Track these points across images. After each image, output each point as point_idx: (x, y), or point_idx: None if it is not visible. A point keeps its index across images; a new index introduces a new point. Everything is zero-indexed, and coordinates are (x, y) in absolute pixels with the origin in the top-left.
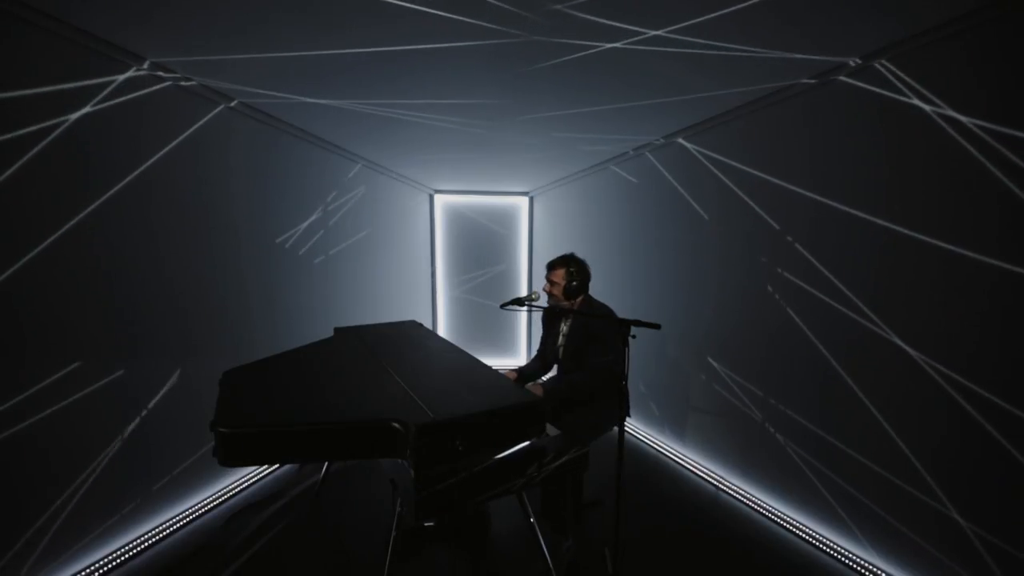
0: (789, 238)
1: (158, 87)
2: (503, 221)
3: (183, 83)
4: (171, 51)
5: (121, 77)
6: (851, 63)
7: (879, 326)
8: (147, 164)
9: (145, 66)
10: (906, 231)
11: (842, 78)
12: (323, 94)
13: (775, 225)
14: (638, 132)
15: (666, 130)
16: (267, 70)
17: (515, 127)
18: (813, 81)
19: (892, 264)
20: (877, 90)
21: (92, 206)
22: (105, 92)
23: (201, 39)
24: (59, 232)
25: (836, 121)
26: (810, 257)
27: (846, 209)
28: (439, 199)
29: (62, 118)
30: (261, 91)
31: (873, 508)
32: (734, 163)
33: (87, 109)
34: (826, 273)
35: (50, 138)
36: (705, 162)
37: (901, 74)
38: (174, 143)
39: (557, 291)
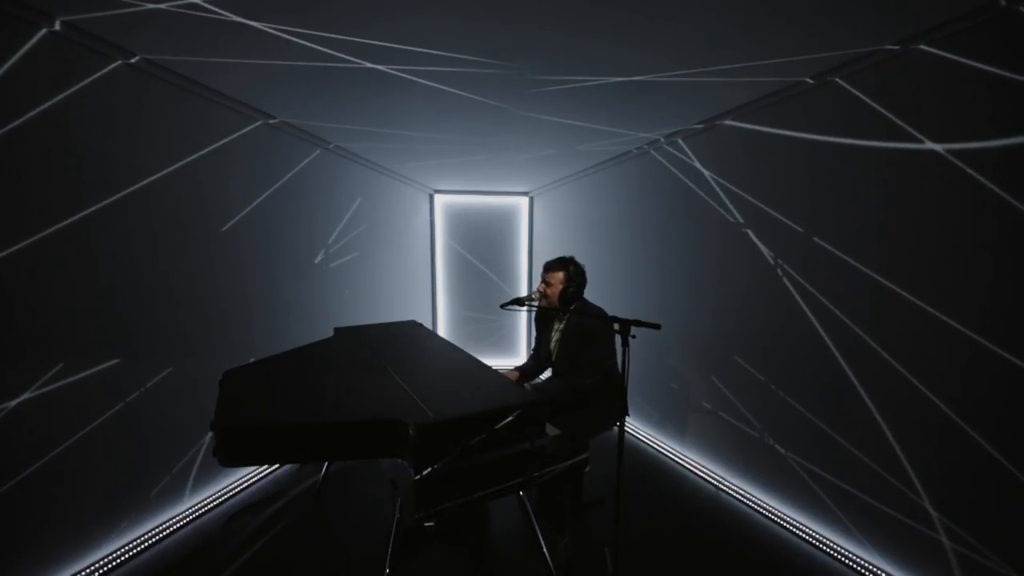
0: (791, 237)
1: (154, 83)
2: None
3: (182, 83)
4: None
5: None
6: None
7: (878, 334)
8: (147, 164)
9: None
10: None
11: (836, 81)
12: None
13: (777, 224)
14: (643, 126)
15: (669, 127)
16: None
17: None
18: (882, 47)
19: (897, 268)
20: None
21: (90, 204)
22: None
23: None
24: (56, 230)
25: (839, 122)
26: (813, 255)
27: (850, 204)
28: (439, 199)
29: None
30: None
31: (873, 509)
32: (736, 161)
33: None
34: (829, 272)
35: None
36: (706, 160)
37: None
38: (174, 142)
39: (553, 292)
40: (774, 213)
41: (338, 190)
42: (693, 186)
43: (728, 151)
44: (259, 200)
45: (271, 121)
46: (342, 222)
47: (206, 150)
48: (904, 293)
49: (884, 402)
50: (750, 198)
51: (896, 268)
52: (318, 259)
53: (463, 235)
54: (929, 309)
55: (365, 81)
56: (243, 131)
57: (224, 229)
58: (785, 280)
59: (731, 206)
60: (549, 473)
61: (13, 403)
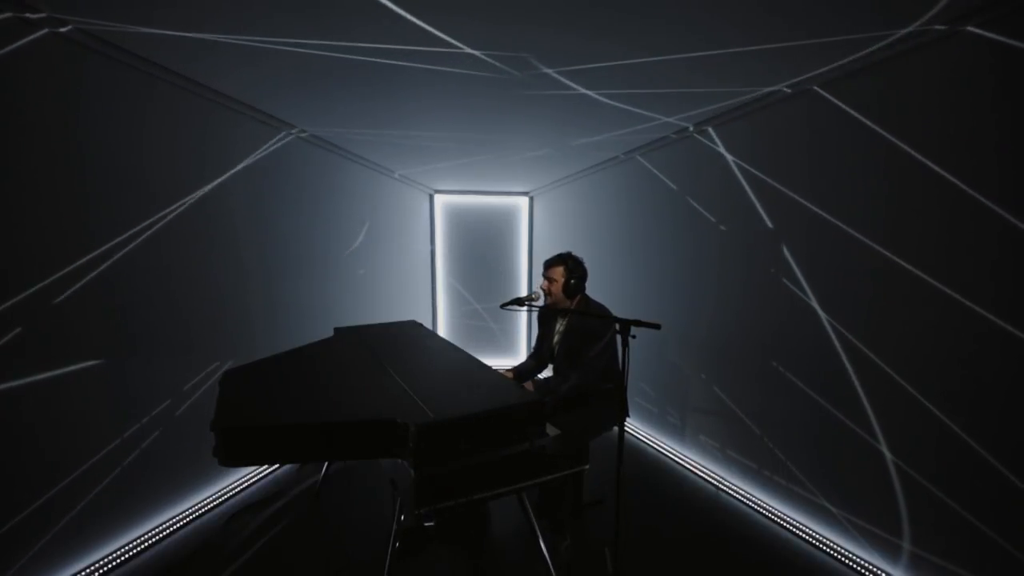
0: (791, 236)
1: (160, 87)
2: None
3: (184, 84)
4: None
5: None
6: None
7: (880, 336)
8: (147, 163)
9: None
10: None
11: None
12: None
13: (778, 223)
14: (647, 118)
15: (672, 120)
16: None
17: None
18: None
19: (891, 275)
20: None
21: (92, 204)
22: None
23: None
24: (55, 230)
25: (833, 127)
26: (812, 255)
27: (850, 206)
28: (439, 199)
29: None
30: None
31: (872, 509)
32: (737, 160)
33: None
34: (827, 273)
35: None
36: (707, 159)
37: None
38: (175, 142)
39: (556, 288)
40: (775, 211)
41: (339, 190)
42: (693, 185)
43: (737, 149)
44: (257, 200)
45: (273, 122)
46: (344, 224)
47: (207, 151)
48: (907, 295)
49: (884, 402)
50: (749, 195)
51: (905, 266)
52: (318, 260)
53: (463, 235)
54: (931, 309)
55: (366, 75)
56: (241, 130)
57: (224, 229)
58: (785, 277)
59: (729, 204)
60: (549, 474)
61: (14, 405)
